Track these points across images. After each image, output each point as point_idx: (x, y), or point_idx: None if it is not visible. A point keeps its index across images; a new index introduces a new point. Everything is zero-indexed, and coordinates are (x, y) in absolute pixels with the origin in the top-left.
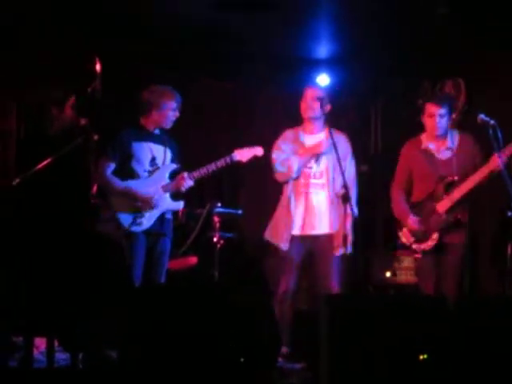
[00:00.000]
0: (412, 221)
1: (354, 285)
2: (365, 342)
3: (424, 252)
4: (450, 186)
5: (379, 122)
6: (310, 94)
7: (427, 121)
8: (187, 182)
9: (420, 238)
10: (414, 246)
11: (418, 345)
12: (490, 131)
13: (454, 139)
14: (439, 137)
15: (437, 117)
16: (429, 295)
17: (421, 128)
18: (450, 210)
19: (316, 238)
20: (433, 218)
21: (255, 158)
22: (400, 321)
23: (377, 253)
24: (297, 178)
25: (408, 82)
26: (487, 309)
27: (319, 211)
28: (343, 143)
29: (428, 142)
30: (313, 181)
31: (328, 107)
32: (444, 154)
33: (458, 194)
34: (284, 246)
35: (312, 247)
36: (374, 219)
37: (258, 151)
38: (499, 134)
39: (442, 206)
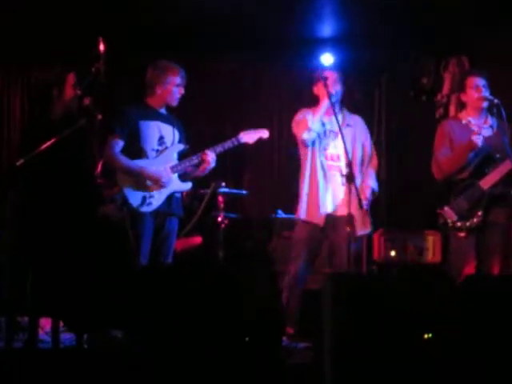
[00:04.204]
0: (476, 137)
1: (358, 264)
2: (368, 321)
3: (468, 230)
4: (492, 163)
5: (383, 101)
6: (333, 76)
7: (471, 94)
8: (211, 155)
9: (464, 215)
10: (459, 224)
11: (423, 323)
12: (494, 110)
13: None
14: (483, 112)
15: (482, 87)
16: (437, 273)
17: (426, 107)
18: (493, 187)
19: (332, 221)
20: (476, 194)
21: (261, 140)
22: (404, 299)
23: (380, 232)
24: (316, 156)
25: (412, 60)
26: (494, 287)
27: (336, 193)
28: (360, 124)
29: (470, 118)
30: (330, 162)
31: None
32: (486, 131)
33: (501, 171)
34: (320, 222)
35: (328, 229)
36: (377, 198)
37: (264, 133)
38: (503, 113)
39: (486, 182)
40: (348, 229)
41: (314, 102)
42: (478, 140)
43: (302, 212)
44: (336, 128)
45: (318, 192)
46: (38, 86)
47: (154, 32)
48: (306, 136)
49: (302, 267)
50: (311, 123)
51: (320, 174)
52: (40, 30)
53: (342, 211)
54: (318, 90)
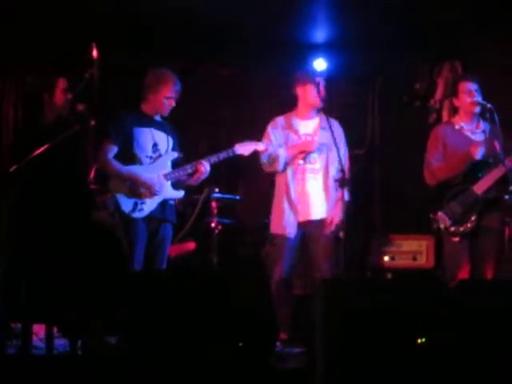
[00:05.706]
0: (475, 149)
1: (352, 269)
2: (360, 326)
3: (462, 235)
4: (485, 168)
5: (377, 106)
6: (320, 82)
7: (464, 99)
8: (205, 165)
9: (458, 220)
10: (453, 229)
11: (417, 328)
12: (487, 114)
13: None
14: (475, 117)
15: (474, 92)
16: (433, 278)
17: (419, 111)
18: (486, 191)
19: (310, 223)
20: (469, 199)
21: (256, 152)
22: (397, 305)
23: (374, 237)
24: (287, 169)
25: (406, 66)
26: (487, 292)
27: (314, 196)
28: (337, 129)
29: (462, 123)
30: (308, 166)
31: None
32: (478, 136)
33: (494, 175)
34: (290, 233)
35: (306, 232)
36: (370, 203)
37: (259, 146)
38: (496, 118)
39: (479, 187)
40: (329, 231)
41: None
42: (478, 153)
43: (277, 225)
44: (311, 130)
45: (292, 201)
46: (29, 91)
47: (150, 35)
48: (268, 171)
49: (286, 271)
50: (280, 165)
51: (292, 182)
52: (36, 32)
53: (319, 214)
54: (304, 92)
